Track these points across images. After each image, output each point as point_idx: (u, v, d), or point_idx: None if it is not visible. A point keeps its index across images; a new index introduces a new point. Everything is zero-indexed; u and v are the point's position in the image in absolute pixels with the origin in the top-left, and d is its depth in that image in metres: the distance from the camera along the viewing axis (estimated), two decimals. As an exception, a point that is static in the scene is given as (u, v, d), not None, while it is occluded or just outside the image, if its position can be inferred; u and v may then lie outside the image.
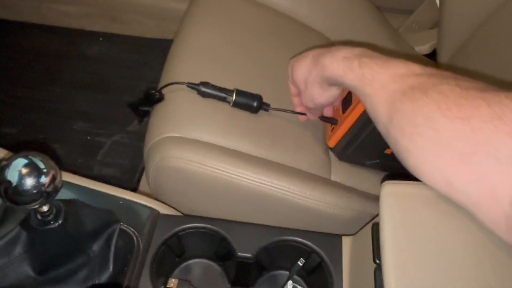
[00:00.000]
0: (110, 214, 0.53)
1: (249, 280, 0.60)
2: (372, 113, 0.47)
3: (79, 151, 1.10)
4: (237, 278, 0.60)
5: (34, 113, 1.17)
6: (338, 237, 0.59)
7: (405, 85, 0.41)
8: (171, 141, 0.65)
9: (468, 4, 0.87)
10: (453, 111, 0.37)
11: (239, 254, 0.57)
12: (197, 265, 0.64)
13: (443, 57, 0.98)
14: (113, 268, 0.51)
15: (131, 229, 0.56)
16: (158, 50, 1.26)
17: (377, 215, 0.52)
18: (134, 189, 1.01)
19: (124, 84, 1.26)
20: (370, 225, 0.50)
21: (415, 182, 0.43)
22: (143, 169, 1.05)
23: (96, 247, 0.51)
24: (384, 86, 0.43)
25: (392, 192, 0.42)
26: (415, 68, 0.44)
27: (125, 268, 0.53)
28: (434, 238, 0.39)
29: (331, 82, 0.59)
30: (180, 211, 0.66)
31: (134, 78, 1.27)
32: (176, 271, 0.63)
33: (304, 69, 0.63)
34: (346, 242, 0.58)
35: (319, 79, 0.60)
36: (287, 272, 0.62)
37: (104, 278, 0.50)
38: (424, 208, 0.41)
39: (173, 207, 0.65)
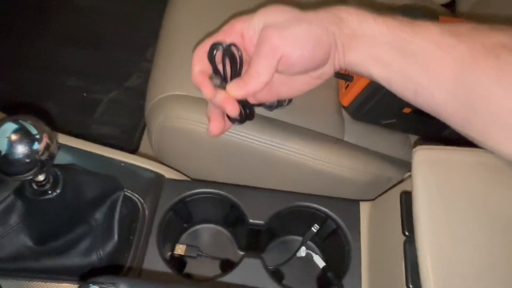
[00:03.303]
0: (112, 181, 0.50)
1: (260, 245, 0.58)
2: (419, 75, 0.38)
3: (74, 109, 1.05)
4: (247, 244, 0.58)
5: (23, 70, 1.10)
6: (355, 203, 0.55)
7: (471, 41, 0.35)
8: (176, 100, 0.60)
9: None
10: None
11: (251, 221, 0.54)
12: (206, 230, 0.61)
13: (463, 7, 0.91)
14: (118, 237, 0.48)
15: (136, 195, 0.53)
16: (156, 0, 1.17)
17: (400, 181, 0.49)
18: (135, 150, 0.97)
19: (119, 38, 1.18)
20: (394, 192, 0.46)
21: (451, 148, 0.39)
22: (143, 129, 1.00)
23: (98, 215, 0.48)
24: (437, 42, 0.37)
25: (426, 159, 0.38)
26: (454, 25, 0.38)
27: (131, 237, 0.50)
28: (474, 210, 0.35)
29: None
30: (186, 175, 0.62)
31: (130, 31, 1.19)
32: (184, 237, 0.60)
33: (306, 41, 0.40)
34: (364, 208, 0.55)
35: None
36: (300, 238, 0.59)
37: (108, 248, 0.47)
38: (462, 176, 0.37)
39: (179, 171, 0.61)
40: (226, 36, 0.43)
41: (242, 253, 0.57)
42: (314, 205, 0.55)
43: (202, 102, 0.60)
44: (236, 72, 0.44)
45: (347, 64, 0.42)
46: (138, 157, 0.57)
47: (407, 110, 0.64)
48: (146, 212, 0.52)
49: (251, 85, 0.41)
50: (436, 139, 0.66)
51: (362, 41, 0.39)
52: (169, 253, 0.57)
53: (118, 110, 1.05)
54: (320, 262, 0.56)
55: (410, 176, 0.44)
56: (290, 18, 0.40)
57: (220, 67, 0.43)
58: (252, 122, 0.59)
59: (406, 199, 0.40)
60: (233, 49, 0.42)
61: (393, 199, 0.45)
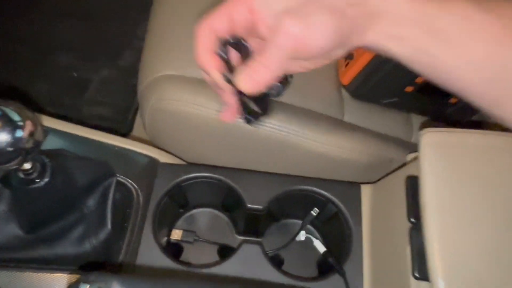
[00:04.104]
0: (104, 166, 0.47)
1: (258, 229, 0.56)
2: (446, 53, 0.34)
3: (65, 88, 1.01)
4: (245, 228, 0.56)
5: (12, 45, 1.06)
6: (356, 186, 0.54)
7: (505, 18, 0.32)
8: (169, 80, 0.57)
9: None
10: None
11: (249, 206, 0.52)
12: (202, 214, 0.60)
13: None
14: (112, 225, 0.46)
15: (129, 180, 0.51)
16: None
17: (404, 164, 0.47)
18: (128, 132, 0.94)
19: (111, 12, 1.14)
20: (398, 176, 0.44)
21: (461, 130, 0.37)
22: (137, 109, 0.97)
23: (91, 202, 0.46)
24: (469, 18, 0.34)
25: (434, 142, 0.36)
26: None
27: (125, 224, 0.48)
28: (485, 196, 0.34)
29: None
30: (182, 159, 0.60)
31: (122, 4, 1.14)
32: (180, 221, 0.59)
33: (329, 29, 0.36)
34: (366, 191, 0.53)
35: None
36: (299, 221, 0.58)
37: (102, 235, 0.46)
38: (473, 160, 0.35)
39: (174, 155, 0.59)
40: (234, 7, 0.39)
41: (240, 237, 0.56)
42: (314, 189, 0.54)
43: (196, 83, 0.57)
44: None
45: (365, 44, 0.39)
46: (131, 141, 0.54)
47: (409, 88, 0.62)
48: (141, 198, 0.50)
49: (263, 77, 0.37)
50: (442, 120, 0.64)
51: (384, 19, 0.36)
52: (165, 239, 0.55)
53: (110, 90, 1.02)
54: (320, 247, 0.55)
55: (415, 158, 0.42)
56: (310, 3, 0.37)
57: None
58: (249, 103, 0.57)
59: (412, 184, 0.39)
60: (243, 43, 0.38)
61: (397, 183, 0.43)
